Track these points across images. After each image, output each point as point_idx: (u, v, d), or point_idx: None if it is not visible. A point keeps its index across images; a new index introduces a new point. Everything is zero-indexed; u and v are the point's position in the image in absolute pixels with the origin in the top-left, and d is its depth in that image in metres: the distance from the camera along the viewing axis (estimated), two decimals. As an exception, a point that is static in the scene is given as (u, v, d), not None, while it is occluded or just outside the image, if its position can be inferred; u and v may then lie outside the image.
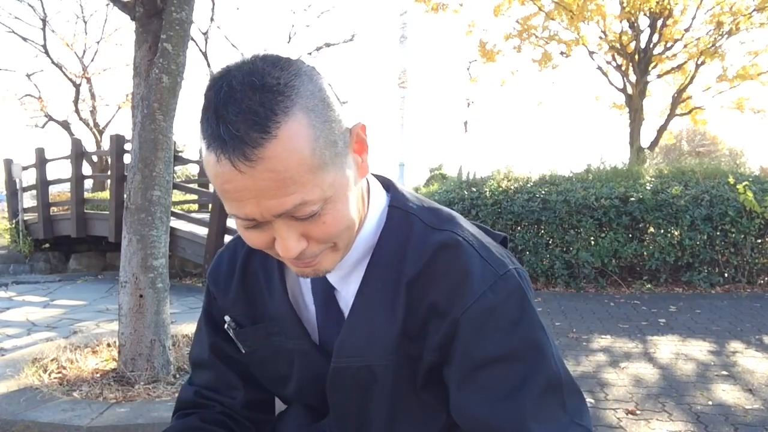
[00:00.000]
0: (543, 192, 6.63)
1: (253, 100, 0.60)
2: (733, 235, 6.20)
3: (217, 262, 0.93)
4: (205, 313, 0.95)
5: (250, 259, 0.89)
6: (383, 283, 0.76)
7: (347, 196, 0.68)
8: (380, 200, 0.81)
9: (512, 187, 6.92)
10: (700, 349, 4.08)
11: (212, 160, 0.62)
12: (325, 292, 0.83)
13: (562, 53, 12.76)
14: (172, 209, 5.27)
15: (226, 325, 0.89)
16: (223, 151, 0.60)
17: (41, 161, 8.99)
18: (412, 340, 0.76)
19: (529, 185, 6.96)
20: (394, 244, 0.77)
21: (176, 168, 10.76)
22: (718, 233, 6.21)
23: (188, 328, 4.20)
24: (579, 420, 0.73)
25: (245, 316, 0.88)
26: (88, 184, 12.52)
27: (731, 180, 6.31)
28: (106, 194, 9.74)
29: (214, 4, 14.62)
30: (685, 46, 11.91)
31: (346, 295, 0.81)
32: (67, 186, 9.37)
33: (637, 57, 11.85)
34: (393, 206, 0.80)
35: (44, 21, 15.56)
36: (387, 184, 0.85)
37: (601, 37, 12.09)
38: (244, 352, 0.90)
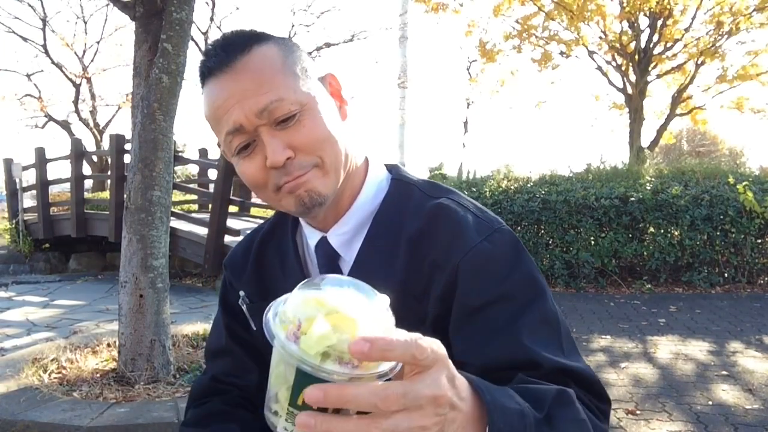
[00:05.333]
0: (543, 192, 6.63)
1: (236, 35, 0.77)
2: (733, 235, 6.20)
3: (233, 251, 1.00)
4: (221, 301, 1.00)
5: (264, 247, 0.95)
6: (384, 240, 0.81)
7: (324, 112, 0.77)
8: (380, 172, 0.88)
9: (512, 187, 6.92)
10: (700, 349, 4.08)
11: (205, 90, 0.77)
12: (329, 257, 0.86)
13: (562, 53, 12.77)
14: (172, 209, 5.28)
15: (240, 300, 0.93)
16: (210, 72, 0.76)
17: (41, 161, 8.98)
18: (418, 300, 0.78)
19: (529, 185, 6.97)
20: (394, 208, 0.83)
21: (176, 168, 10.76)
22: (718, 233, 6.21)
23: (188, 328, 4.20)
24: (576, 359, 0.74)
25: (258, 294, 0.93)
26: (88, 184, 12.51)
27: (731, 180, 6.31)
28: (106, 194, 9.73)
29: (214, 4, 14.63)
30: (685, 46, 11.91)
31: (350, 261, 0.84)
32: (67, 186, 9.36)
33: (637, 57, 11.85)
34: (395, 179, 0.88)
35: (44, 21, 15.56)
36: (391, 167, 0.92)
37: (601, 37, 12.10)
38: (255, 329, 0.93)
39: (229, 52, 0.75)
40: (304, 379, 0.47)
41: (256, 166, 0.76)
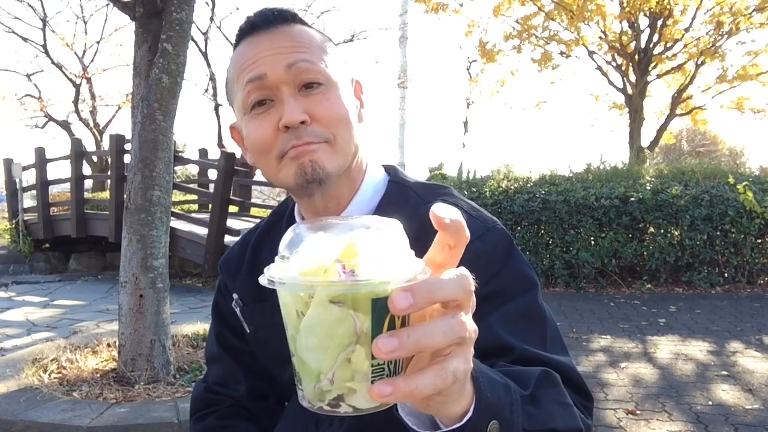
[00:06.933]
0: (543, 192, 6.63)
1: (285, 9, 0.80)
2: (733, 235, 6.20)
3: (229, 252, 1.01)
4: (213, 307, 1.01)
5: (259, 248, 0.95)
6: None
7: (347, 100, 0.79)
8: (378, 173, 0.89)
9: (512, 187, 6.92)
10: (700, 349, 4.08)
11: (239, 49, 0.79)
12: None
13: (562, 53, 12.76)
14: (172, 209, 5.28)
15: (233, 303, 0.93)
16: (252, 28, 0.78)
17: (41, 161, 8.98)
18: None
19: (529, 185, 6.97)
20: (390, 210, 0.81)
21: (176, 168, 10.75)
22: (718, 233, 6.21)
23: (188, 328, 4.20)
24: (560, 355, 0.72)
25: (252, 297, 0.93)
26: (88, 184, 12.50)
27: (731, 180, 6.31)
28: (106, 194, 9.72)
29: (214, 4, 14.61)
30: (685, 46, 11.91)
31: None
32: (67, 186, 9.36)
33: (637, 57, 11.84)
34: (392, 181, 0.88)
35: (44, 21, 15.53)
36: (389, 169, 0.93)
37: (601, 37, 12.10)
38: (249, 331, 0.94)
39: (277, 16, 0.78)
40: (383, 312, 0.42)
41: (268, 125, 0.76)
